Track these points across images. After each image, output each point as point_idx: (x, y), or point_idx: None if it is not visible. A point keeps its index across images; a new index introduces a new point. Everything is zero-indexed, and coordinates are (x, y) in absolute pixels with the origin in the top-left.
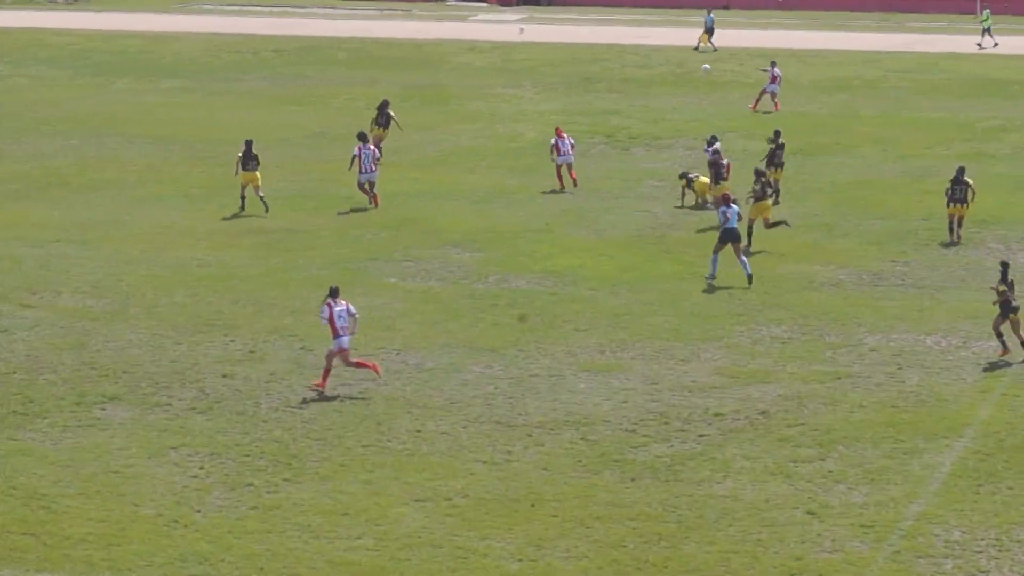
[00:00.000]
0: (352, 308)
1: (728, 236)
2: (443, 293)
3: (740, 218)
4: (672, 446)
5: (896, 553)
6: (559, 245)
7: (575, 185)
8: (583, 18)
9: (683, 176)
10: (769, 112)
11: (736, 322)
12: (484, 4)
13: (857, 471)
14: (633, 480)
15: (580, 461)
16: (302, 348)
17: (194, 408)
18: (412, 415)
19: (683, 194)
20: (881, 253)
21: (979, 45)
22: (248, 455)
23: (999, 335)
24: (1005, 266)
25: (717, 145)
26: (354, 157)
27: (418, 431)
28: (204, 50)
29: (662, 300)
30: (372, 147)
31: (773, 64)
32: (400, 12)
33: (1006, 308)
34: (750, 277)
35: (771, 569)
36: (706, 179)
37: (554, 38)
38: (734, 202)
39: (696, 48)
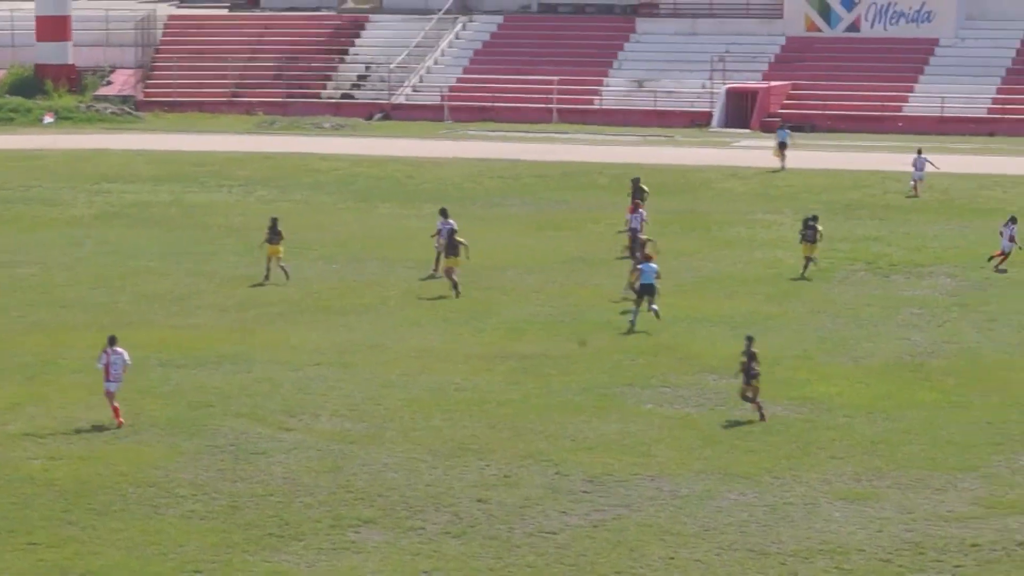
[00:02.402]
0: (127, 357)
1: (644, 291)
2: (699, 420)
3: (658, 276)
4: None
5: None
6: (816, 372)
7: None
8: (846, 144)
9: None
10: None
11: (994, 451)
12: (747, 130)
13: None
14: None
15: None
16: (556, 473)
17: (448, 532)
18: (665, 542)
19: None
20: None
21: None
22: None
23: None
24: (749, 340)
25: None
26: (436, 232)
27: (671, 558)
28: (467, 175)
29: (919, 428)
30: (451, 222)
31: (919, 152)
32: (663, 138)
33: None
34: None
35: None
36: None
37: (816, 164)
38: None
39: (782, 168)
